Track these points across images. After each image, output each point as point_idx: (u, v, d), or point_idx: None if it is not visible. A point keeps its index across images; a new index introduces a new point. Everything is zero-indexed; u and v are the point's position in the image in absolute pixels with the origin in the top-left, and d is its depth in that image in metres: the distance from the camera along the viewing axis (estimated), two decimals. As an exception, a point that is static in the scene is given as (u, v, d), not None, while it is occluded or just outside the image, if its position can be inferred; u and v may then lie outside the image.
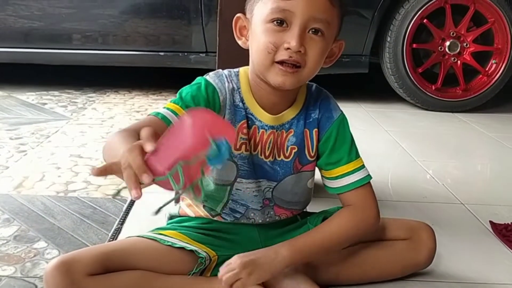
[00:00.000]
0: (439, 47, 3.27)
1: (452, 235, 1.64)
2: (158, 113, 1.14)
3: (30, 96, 3.20)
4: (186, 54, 3.24)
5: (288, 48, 1.09)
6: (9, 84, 3.41)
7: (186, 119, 0.80)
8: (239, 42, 1.22)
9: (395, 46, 3.23)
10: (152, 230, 1.28)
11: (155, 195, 0.85)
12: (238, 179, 1.25)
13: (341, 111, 1.28)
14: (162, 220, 1.37)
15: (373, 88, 3.86)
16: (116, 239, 1.50)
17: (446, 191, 2.05)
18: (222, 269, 1.16)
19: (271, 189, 1.27)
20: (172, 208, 1.38)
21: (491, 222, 1.75)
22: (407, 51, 3.23)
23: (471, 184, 2.18)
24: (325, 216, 1.34)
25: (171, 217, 1.37)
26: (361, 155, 1.27)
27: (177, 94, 1.19)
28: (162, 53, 3.24)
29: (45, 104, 3.06)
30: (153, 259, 1.19)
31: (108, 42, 3.22)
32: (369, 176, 1.26)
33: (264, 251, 1.19)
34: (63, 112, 2.92)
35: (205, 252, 1.22)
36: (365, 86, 4.05)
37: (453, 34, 3.26)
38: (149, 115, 1.16)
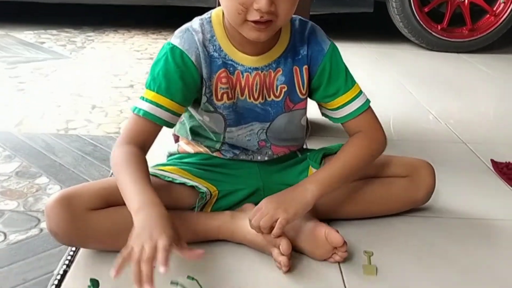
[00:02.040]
0: (447, -14, 3.19)
1: (452, 173, 1.64)
2: (145, 113, 1.12)
3: (28, 35, 3.15)
4: (186, -8, 3.17)
5: (259, 9, 1.04)
6: (7, 22, 3.35)
7: None
8: None
9: (401, -16, 3.14)
10: (153, 166, 1.28)
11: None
12: (228, 129, 1.24)
13: (330, 41, 1.23)
14: (162, 157, 1.37)
15: (377, 28, 3.79)
16: (117, 176, 1.51)
17: (448, 131, 2.04)
18: (254, 218, 1.12)
19: (264, 130, 1.26)
20: (171, 147, 1.37)
21: (492, 160, 1.75)
22: (414, -11, 3.15)
23: (474, 124, 2.17)
24: (325, 152, 1.34)
25: (170, 154, 1.37)
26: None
27: (149, 74, 1.15)
28: (161, -9, 3.17)
29: (44, 43, 3.02)
30: (154, 194, 1.19)
31: (106, -21, 3.14)
32: (368, 100, 1.26)
33: (291, 189, 1.18)
34: (62, 51, 2.88)
35: (205, 187, 1.23)
36: (369, 25, 3.97)
37: (461, -29, 3.17)
38: (133, 112, 1.14)
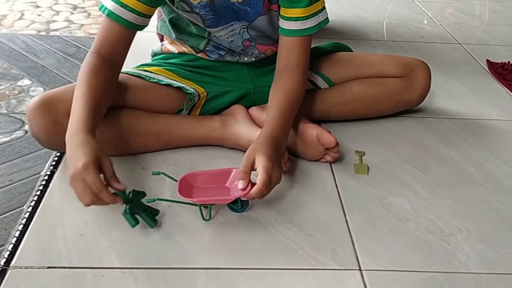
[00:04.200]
0: None
1: (447, 74, 1.60)
2: (109, 12, 1.04)
3: None
4: None
5: None
6: None
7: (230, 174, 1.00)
8: None
9: None
10: (137, 67, 1.22)
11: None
12: (208, 29, 1.17)
13: None
14: (146, 57, 1.31)
15: None
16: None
17: (445, 32, 1.98)
18: (255, 191, 0.93)
19: (245, 29, 1.20)
20: (155, 46, 1.31)
21: (487, 61, 1.71)
22: None
23: (471, 25, 2.10)
24: (315, 52, 1.29)
25: (154, 54, 1.31)
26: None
27: None
28: None
29: None
30: (139, 96, 1.14)
31: None
32: (323, 22, 1.17)
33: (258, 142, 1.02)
34: None
35: (193, 88, 1.19)
36: None
37: None
38: (100, 11, 1.06)
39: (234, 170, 0.99)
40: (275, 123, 1.06)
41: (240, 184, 0.93)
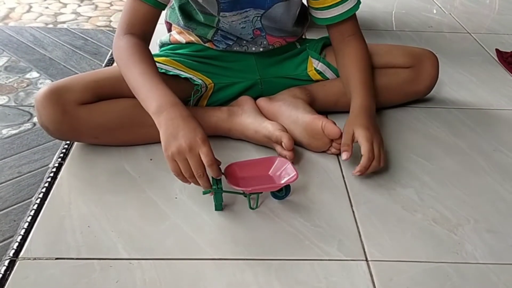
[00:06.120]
0: None
1: (456, 63, 1.59)
2: None
3: None
4: None
5: None
6: None
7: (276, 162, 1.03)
8: None
9: None
10: (144, 57, 1.23)
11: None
12: (221, 13, 1.17)
13: None
14: (154, 48, 1.31)
15: None
16: (109, 69, 1.46)
17: (454, 21, 1.96)
18: (364, 161, 1.04)
19: (259, 18, 1.19)
20: (163, 37, 1.31)
21: (497, 50, 1.69)
22: None
23: (480, 15, 2.08)
24: (325, 42, 1.29)
25: (162, 44, 1.31)
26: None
27: None
28: None
29: None
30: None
31: None
32: (359, 1, 1.19)
33: (364, 116, 1.12)
34: None
35: (200, 79, 1.19)
36: None
37: None
38: None
39: (278, 159, 1.03)
40: (360, 93, 1.15)
41: (344, 155, 1.06)
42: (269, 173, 1.02)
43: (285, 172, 1.00)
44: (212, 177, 0.94)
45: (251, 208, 0.98)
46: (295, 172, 0.98)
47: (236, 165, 1.02)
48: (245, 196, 0.98)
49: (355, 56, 1.19)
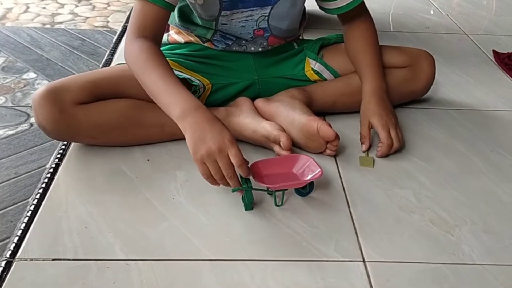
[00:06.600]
0: None
1: (453, 64, 1.59)
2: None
3: None
4: None
5: None
6: None
7: (301, 160, 1.04)
8: None
9: None
10: (143, 58, 1.22)
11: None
12: (222, 12, 1.17)
13: None
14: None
15: None
16: (107, 70, 1.46)
17: (451, 22, 1.97)
18: (384, 147, 1.14)
19: (266, 18, 1.19)
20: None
21: (494, 51, 1.70)
22: None
23: (477, 15, 2.08)
24: (322, 42, 1.29)
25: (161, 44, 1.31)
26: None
27: None
28: None
29: None
30: (145, 87, 1.15)
31: None
32: None
33: (376, 102, 1.19)
34: None
35: (198, 80, 1.18)
36: None
37: None
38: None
39: (301, 156, 1.05)
40: (369, 75, 1.21)
41: (363, 147, 1.15)
42: (293, 170, 1.03)
43: (308, 169, 1.01)
44: (241, 177, 0.94)
45: (276, 205, 0.99)
46: (319, 169, 0.99)
47: (260, 163, 1.03)
48: (270, 194, 0.99)
49: (363, 37, 1.24)
